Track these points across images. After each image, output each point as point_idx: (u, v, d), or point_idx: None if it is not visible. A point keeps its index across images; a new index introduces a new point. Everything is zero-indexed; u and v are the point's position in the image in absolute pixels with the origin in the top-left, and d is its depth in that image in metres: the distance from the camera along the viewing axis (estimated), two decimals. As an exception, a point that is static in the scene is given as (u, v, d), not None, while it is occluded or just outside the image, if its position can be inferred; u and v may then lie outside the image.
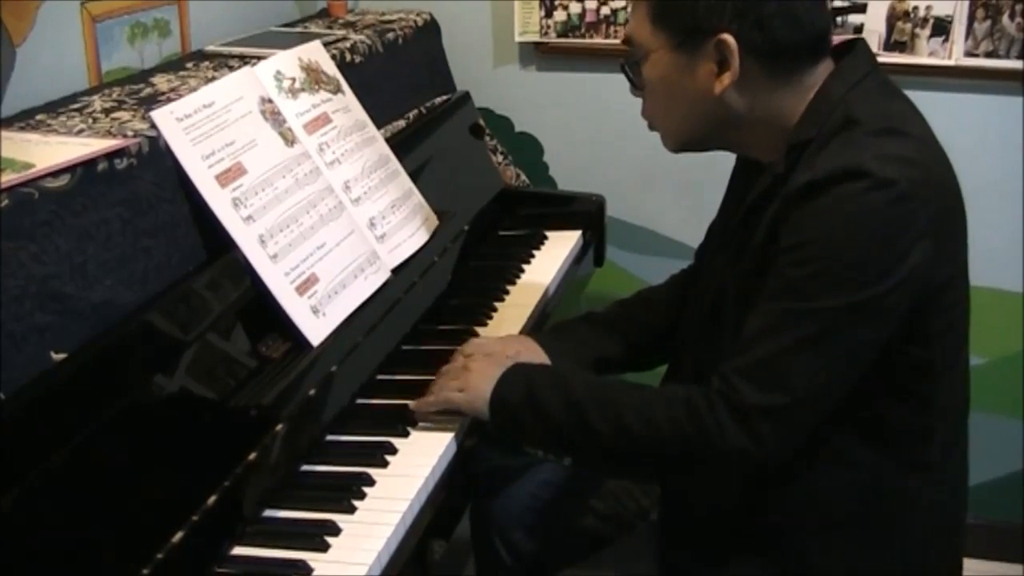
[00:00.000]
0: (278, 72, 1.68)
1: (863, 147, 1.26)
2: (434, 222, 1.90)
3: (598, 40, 2.40)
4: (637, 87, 1.45)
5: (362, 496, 1.38)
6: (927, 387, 1.35)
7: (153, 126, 1.43)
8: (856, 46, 1.39)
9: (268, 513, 1.35)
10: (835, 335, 1.26)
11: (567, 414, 1.40)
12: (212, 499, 1.26)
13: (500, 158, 2.36)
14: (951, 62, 2.22)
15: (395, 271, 1.74)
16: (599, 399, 1.39)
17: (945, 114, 2.30)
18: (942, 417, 1.39)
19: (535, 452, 1.47)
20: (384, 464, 1.44)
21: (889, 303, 1.25)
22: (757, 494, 1.40)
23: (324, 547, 1.28)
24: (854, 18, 2.22)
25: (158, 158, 1.42)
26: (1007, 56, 2.20)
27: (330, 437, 1.50)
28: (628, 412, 1.36)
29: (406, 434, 1.51)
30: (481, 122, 2.35)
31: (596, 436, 1.38)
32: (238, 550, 1.28)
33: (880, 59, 2.20)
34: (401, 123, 2.07)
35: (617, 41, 2.38)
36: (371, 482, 1.40)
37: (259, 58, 1.75)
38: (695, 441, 1.31)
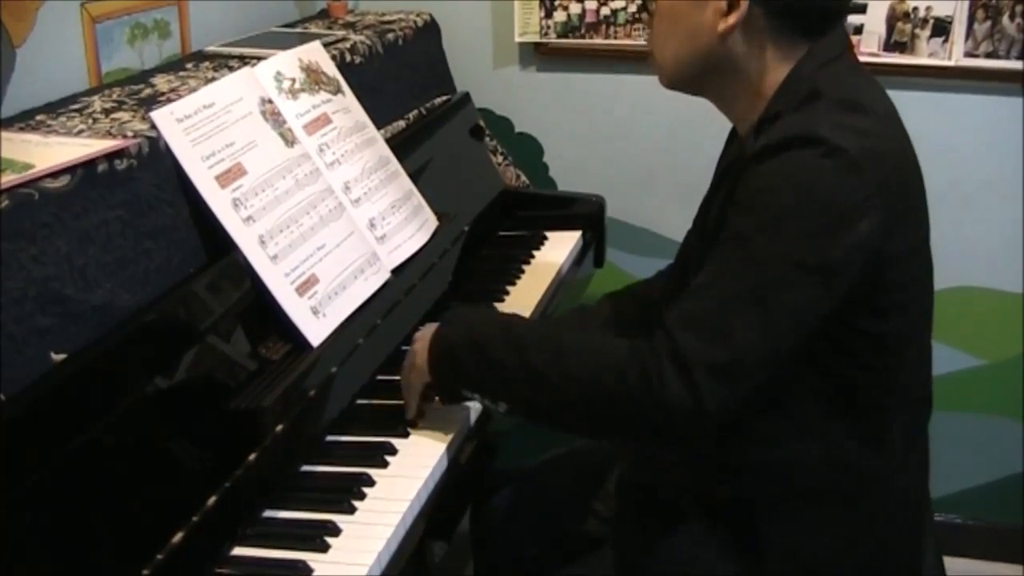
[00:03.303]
0: (278, 73, 1.68)
1: (820, 116, 1.27)
2: (434, 223, 1.90)
3: (598, 41, 2.40)
4: (649, 11, 1.44)
5: (362, 497, 1.38)
6: (882, 361, 1.35)
7: (153, 127, 1.43)
8: (834, 29, 1.40)
9: (268, 514, 1.35)
10: (777, 291, 1.25)
11: (506, 350, 1.38)
12: (212, 500, 1.26)
13: (500, 159, 2.37)
14: (951, 63, 2.22)
15: (395, 272, 1.74)
16: (541, 337, 1.38)
17: (945, 115, 2.30)
18: (902, 398, 1.39)
19: (473, 396, 1.45)
20: (384, 465, 1.45)
21: (835, 269, 1.25)
22: (715, 462, 1.40)
23: (324, 548, 1.28)
24: (854, 19, 2.22)
25: (158, 159, 1.42)
26: (1007, 57, 2.19)
27: (330, 438, 1.50)
28: (569, 352, 1.33)
29: (406, 435, 1.51)
30: (481, 123, 2.35)
31: (534, 375, 1.35)
32: (238, 551, 1.28)
33: (880, 59, 2.22)
34: (401, 124, 2.07)
35: (616, 42, 2.38)
36: (371, 483, 1.41)
37: (259, 59, 1.75)
38: (636, 390, 1.27)
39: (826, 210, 1.24)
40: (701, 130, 2.36)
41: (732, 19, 1.33)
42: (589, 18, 2.39)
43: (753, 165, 1.28)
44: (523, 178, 2.41)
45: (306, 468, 1.44)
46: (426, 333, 1.50)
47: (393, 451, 1.47)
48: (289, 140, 1.62)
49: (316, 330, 1.52)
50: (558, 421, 1.41)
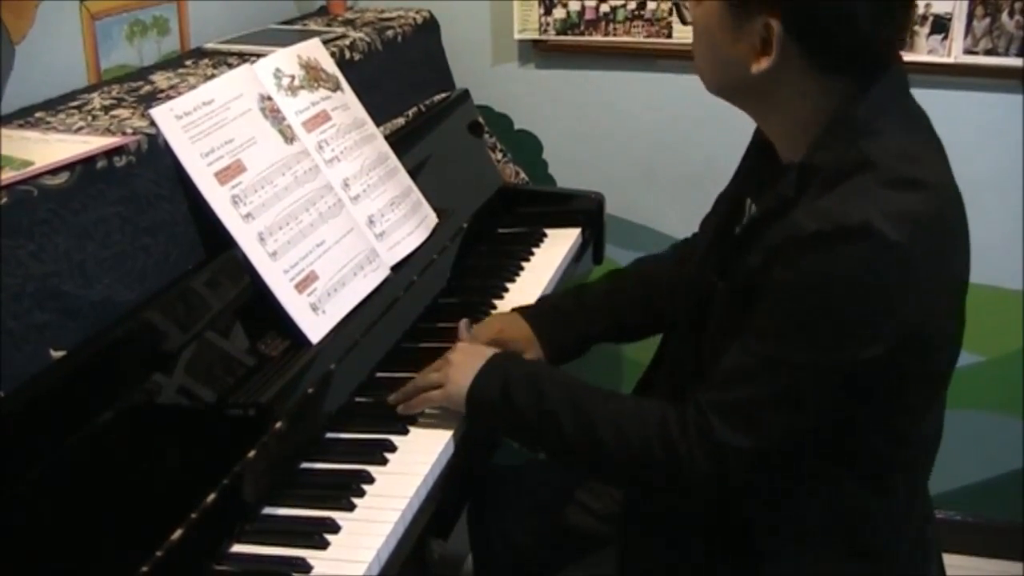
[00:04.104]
0: (277, 70, 1.68)
1: (873, 200, 1.21)
2: (433, 220, 1.90)
3: (597, 37, 2.40)
4: (683, 21, 1.40)
5: (361, 494, 1.38)
6: (899, 420, 1.34)
7: (152, 124, 1.43)
8: (891, 65, 1.32)
9: (267, 511, 1.35)
10: (814, 390, 1.25)
11: (539, 417, 1.41)
12: (211, 497, 1.26)
13: (499, 156, 2.36)
14: (950, 60, 2.22)
15: (394, 269, 1.74)
16: (573, 406, 1.40)
17: (944, 112, 2.30)
18: (910, 450, 1.38)
19: (512, 443, 1.49)
20: (383, 462, 1.45)
21: (877, 362, 1.23)
22: (720, 504, 1.40)
23: (323, 545, 1.28)
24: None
25: (157, 156, 1.42)
26: (1006, 54, 2.19)
27: (329, 435, 1.50)
28: (601, 424, 1.37)
29: (405, 432, 1.51)
30: (480, 120, 2.35)
31: (567, 442, 1.40)
32: (237, 548, 1.28)
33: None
34: (400, 121, 2.07)
35: (615, 39, 2.38)
36: (370, 480, 1.41)
37: (258, 56, 1.75)
38: (664, 465, 1.32)
39: (873, 310, 1.21)
40: (701, 127, 2.37)
41: (764, 63, 1.27)
42: (588, 15, 2.38)
43: (799, 252, 1.22)
44: (522, 175, 2.41)
45: (305, 465, 1.44)
46: (462, 361, 1.51)
47: (392, 448, 1.47)
48: (288, 137, 1.62)
49: (315, 327, 1.52)
50: (592, 476, 1.65)
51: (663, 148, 2.45)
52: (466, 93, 2.36)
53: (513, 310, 1.75)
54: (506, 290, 1.97)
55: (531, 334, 1.68)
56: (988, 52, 2.20)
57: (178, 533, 1.21)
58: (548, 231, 2.23)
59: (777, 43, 1.26)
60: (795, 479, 1.35)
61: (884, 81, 1.30)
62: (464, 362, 1.51)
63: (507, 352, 1.56)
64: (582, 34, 2.40)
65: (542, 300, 1.82)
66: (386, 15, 2.33)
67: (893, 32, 1.30)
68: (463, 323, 1.69)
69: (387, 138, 1.89)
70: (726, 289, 1.36)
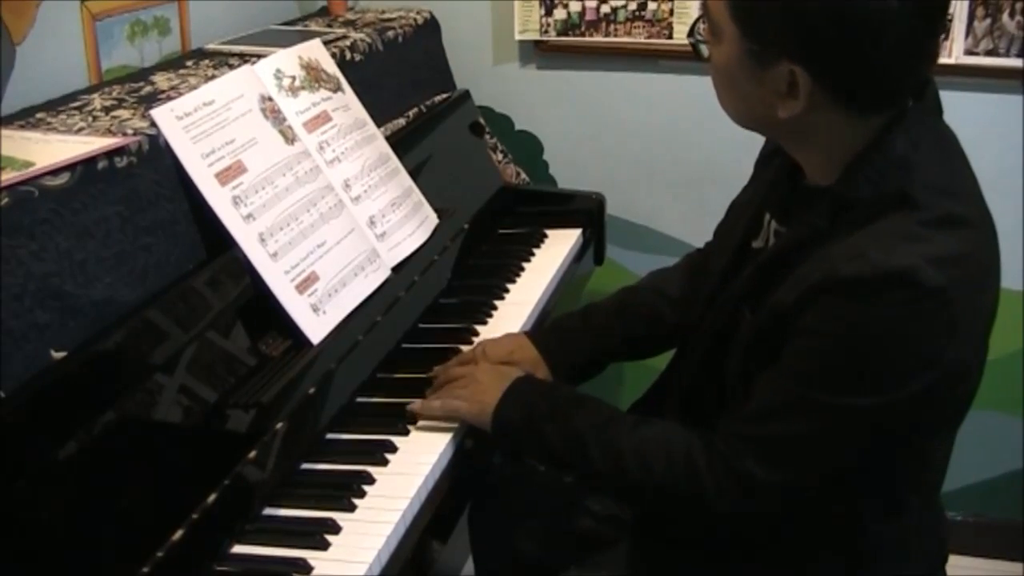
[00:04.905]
0: (278, 70, 1.68)
1: (915, 243, 1.19)
2: (434, 220, 1.90)
3: (598, 38, 2.40)
4: (700, 58, 1.35)
5: (362, 494, 1.38)
6: (921, 447, 1.34)
7: (153, 124, 1.43)
8: (925, 91, 1.31)
9: (268, 511, 1.35)
10: (850, 430, 1.24)
11: (565, 447, 1.42)
12: (212, 497, 1.26)
13: (500, 156, 2.37)
14: (951, 60, 2.22)
15: (395, 269, 1.74)
16: (599, 434, 1.40)
17: (945, 112, 2.30)
18: (927, 469, 1.39)
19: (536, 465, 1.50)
20: (384, 462, 1.45)
21: (910, 403, 1.23)
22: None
23: (324, 545, 1.28)
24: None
25: (158, 156, 1.42)
26: (1007, 54, 2.19)
27: (330, 435, 1.50)
28: (627, 454, 1.37)
29: (406, 432, 1.51)
30: (481, 120, 2.35)
31: (593, 470, 1.40)
32: (238, 548, 1.28)
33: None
34: (401, 121, 2.07)
35: (616, 40, 2.38)
36: (371, 480, 1.41)
37: (259, 56, 1.75)
38: (690, 498, 1.32)
39: (913, 355, 1.20)
40: (701, 127, 2.36)
41: (792, 108, 1.25)
42: (589, 16, 2.38)
43: (839, 296, 1.20)
44: (523, 175, 2.41)
45: (306, 466, 1.44)
46: (487, 380, 1.51)
47: (393, 449, 1.47)
48: (289, 138, 1.62)
49: (316, 327, 1.52)
50: (618, 500, 1.60)
51: (663, 148, 2.45)
52: (467, 94, 2.36)
53: (523, 333, 1.74)
54: (507, 290, 1.97)
55: (538, 356, 1.67)
56: (989, 53, 2.20)
57: (179, 533, 1.21)
58: (549, 231, 2.23)
59: (804, 89, 1.23)
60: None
61: (918, 107, 1.29)
62: (490, 382, 1.51)
63: (531, 375, 1.56)
64: (583, 35, 2.40)
65: (550, 321, 1.82)
66: (387, 16, 2.33)
67: (924, 68, 1.28)
68: (478, 344, 1.68)
69: (388, 139, 1.89)
70: (754, 320, 1.34)
